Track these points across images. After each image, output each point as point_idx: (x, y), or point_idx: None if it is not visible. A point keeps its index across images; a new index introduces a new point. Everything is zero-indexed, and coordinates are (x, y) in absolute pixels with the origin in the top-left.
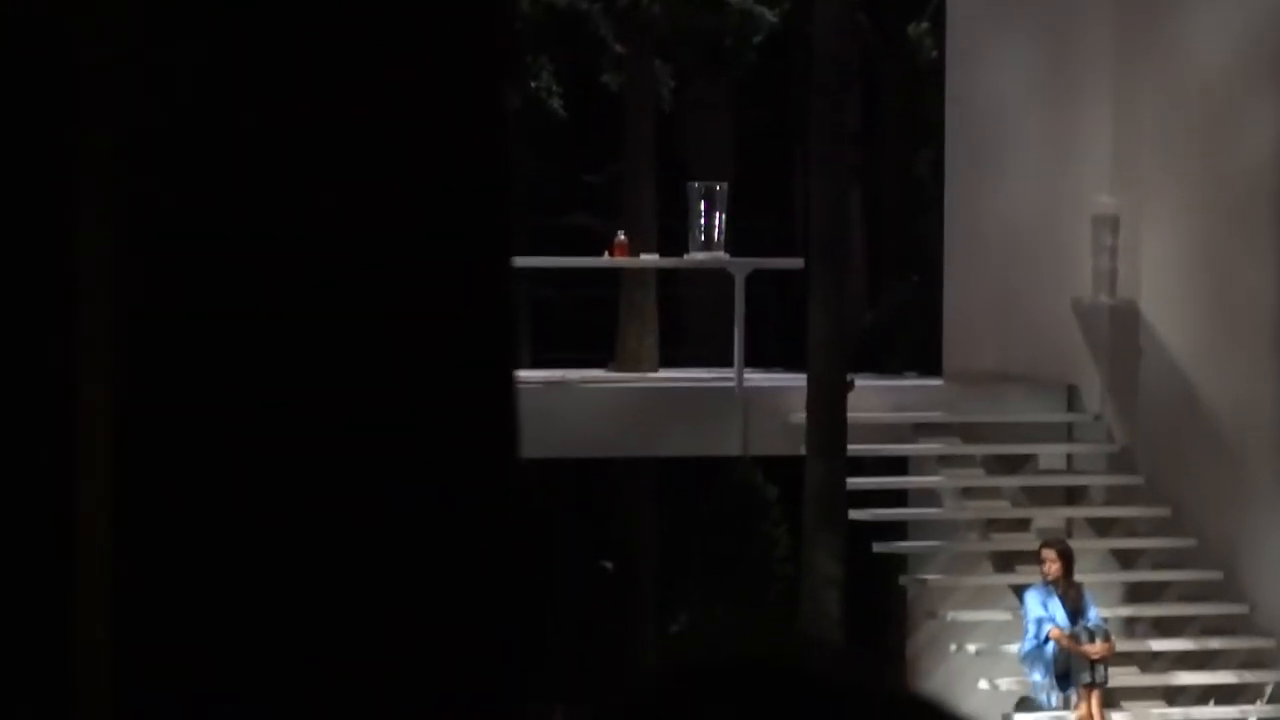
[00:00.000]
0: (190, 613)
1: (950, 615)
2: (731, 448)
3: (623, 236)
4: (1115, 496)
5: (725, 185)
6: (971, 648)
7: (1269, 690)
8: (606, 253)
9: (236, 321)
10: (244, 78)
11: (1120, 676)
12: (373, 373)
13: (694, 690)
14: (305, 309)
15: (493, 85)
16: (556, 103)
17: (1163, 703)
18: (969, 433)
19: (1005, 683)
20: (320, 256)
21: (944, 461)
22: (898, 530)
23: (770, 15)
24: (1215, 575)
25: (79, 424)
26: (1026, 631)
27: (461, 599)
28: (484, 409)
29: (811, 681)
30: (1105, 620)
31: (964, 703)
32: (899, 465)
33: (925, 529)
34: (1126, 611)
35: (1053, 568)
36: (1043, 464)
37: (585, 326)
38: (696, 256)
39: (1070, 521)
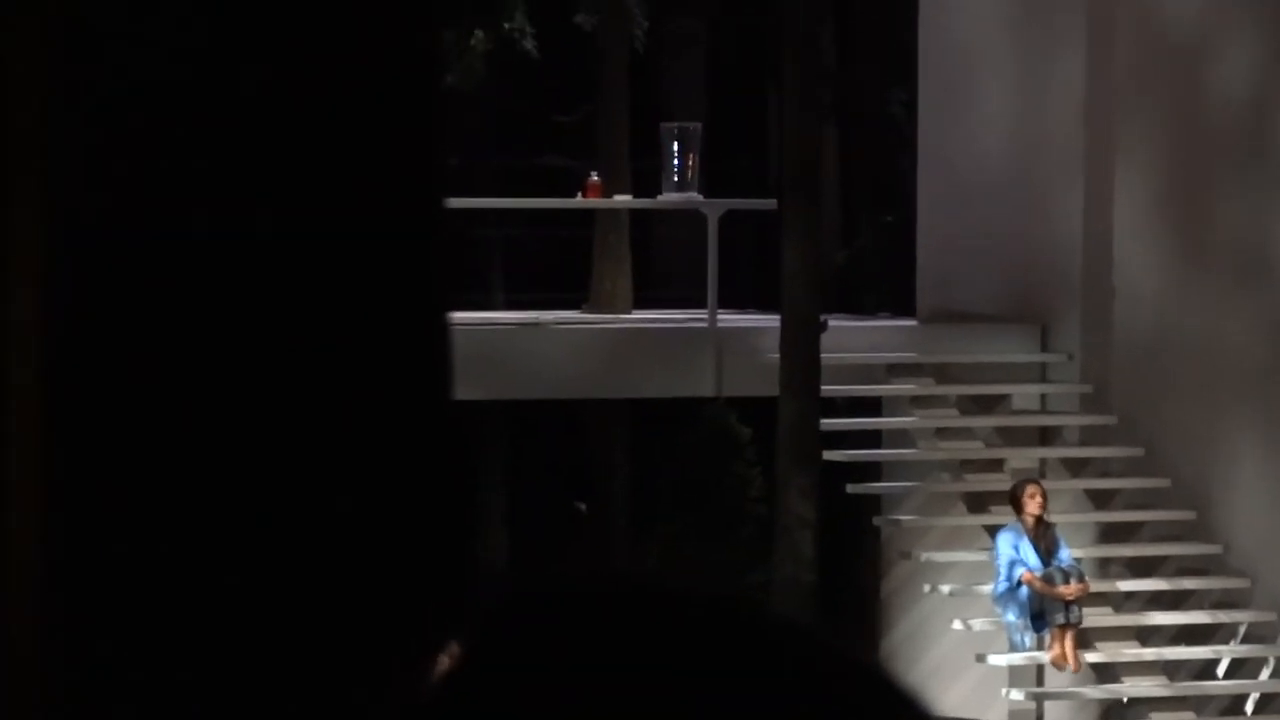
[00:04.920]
0: (125, 580)
1: (924, 556)
2: (705, 388)
3: (596, 177)
4: (1089, 436)
5: (699, 125)
6: (945, 588)
7: (1242, 630)
8: (580, 193)
9: (165, 285)
10: (170, 80)
11: (1094, 617)
12: (304, 322)
13: (533, 618)
14: (233, 269)
15: (419, 37)
16: (530, 43)
17: (1136, 643)
18: (942, 373)
19: (979, 623)
20: (248, 211)
21: (917, 402)
22: (871, 471)
23: None
24: (1188, 515)
25: (6, 409)
26: (998, 573)
27: (394, 535)
28: (416, 352)
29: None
30: (1078, 561)
31: (937, 644)
32: (872, 406)
33: (899, 470)
34: (1100, 552)
35: (1035, 503)
36: (1016, 404)
37: (559, 267)
38: (670, 197)
39: (1044, 462)
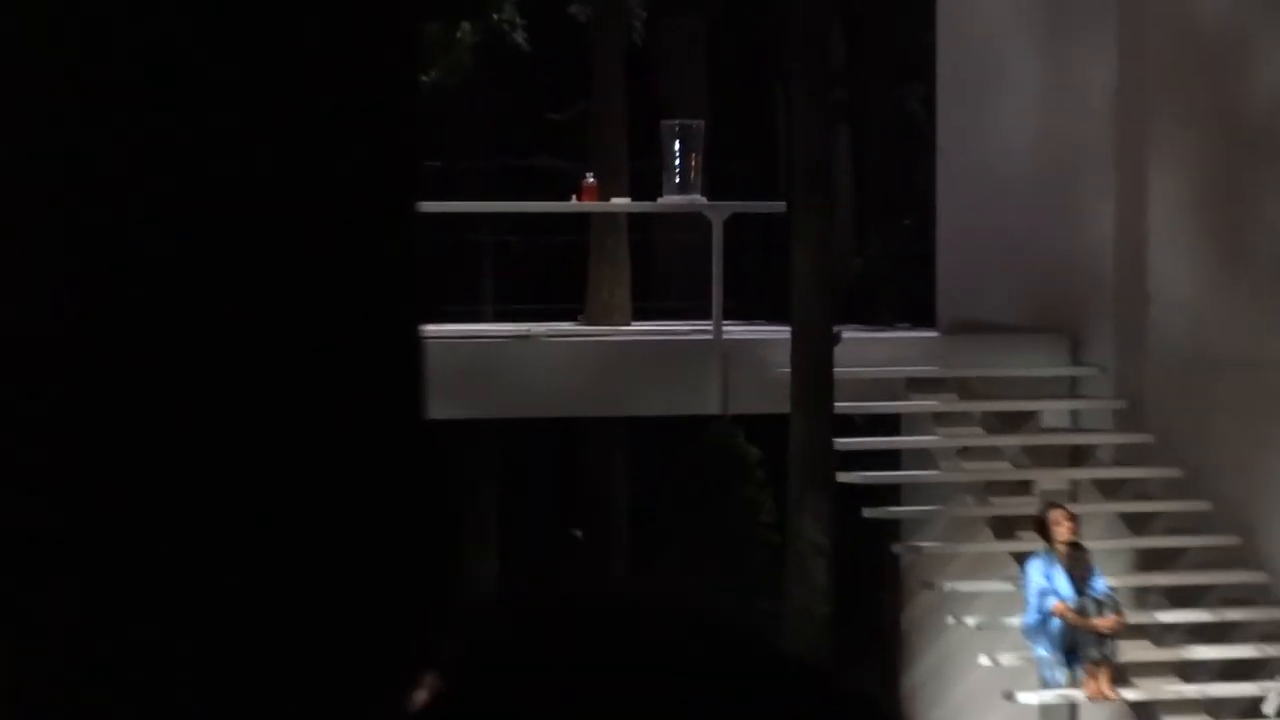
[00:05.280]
0: (89, 589)
1: (947, 586)
2: (710, 405)
3: (592, 179)
4: (1124, 456)
5: (702, 123)
6: (970, 621)
7: None
8: (574, 196)
9: (126, 289)
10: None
11: (1131, 651)
12: (266, 333)
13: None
14: (193, 272)
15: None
16: (520, 35)
17: (1177, 679)
18: (966, 388)
19: (1007, 658)
20: (208, 213)
21: (939, 419)
22: (890, 494)
23: None
24: (1232, 540)
25: None
26: (1028, 603)
27: (364, 566)
28: (387, 366)
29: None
30: (1114, 590)
31: (963, 680)
32: (891, 424)
33: (919, 492)
34: (1137, 580)
35: (1064, 529)
36: (1045, 421)
37: (552, 276)
38: (671, 200)
39: (1075, 483)
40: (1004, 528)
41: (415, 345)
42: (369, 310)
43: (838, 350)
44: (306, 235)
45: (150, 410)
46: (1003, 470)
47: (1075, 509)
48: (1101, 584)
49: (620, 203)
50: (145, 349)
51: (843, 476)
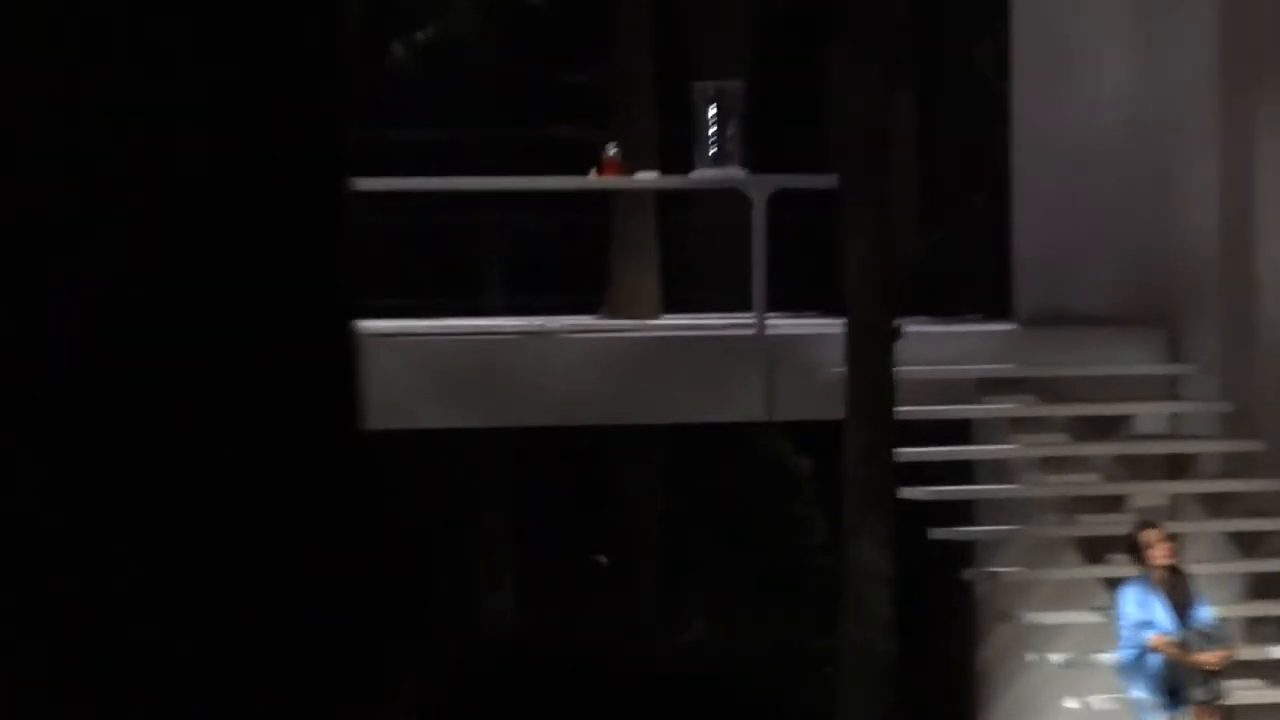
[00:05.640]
0: (30, 602)
1: (1028, 617)
2: (754, 411)
3: (615, 151)
4: (1231, 466)
5: (740, 85)
6: (1055, 657)
7: None
8: (594, 171)
9: (65, 307)
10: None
11: (1241, 691)
12: (171, 331)
13: None
14: (121, 287)
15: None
16: None
17: None
18: (1048, 390)
19: (1098, 700)
20: (147, 226)
21: (1017, 426)
22: (961, 512)
23: None
24: None
25: None
26: (1122, 637)
27: (295, 584)
28: (313, 369)
29: None
30: (1221, 621)
31: None
32: (961, 431)
33: (995, 510)
34: (1248, 610)
35: (1161, 553)
36: (1140, 428)
37: (570, 262)
38: (707, 174)
39: (1176, 498)
40: (1093, 550)
41: (346, 341)
42: (289, 301)
43: (899, 347)
44: (217, 219)
45: (147, 411)
46: (1091, 484)
47: (1175, 527)
48: (1207, 614)
49: (647, 178)
50: (142, 350)
51: (906, 492)
